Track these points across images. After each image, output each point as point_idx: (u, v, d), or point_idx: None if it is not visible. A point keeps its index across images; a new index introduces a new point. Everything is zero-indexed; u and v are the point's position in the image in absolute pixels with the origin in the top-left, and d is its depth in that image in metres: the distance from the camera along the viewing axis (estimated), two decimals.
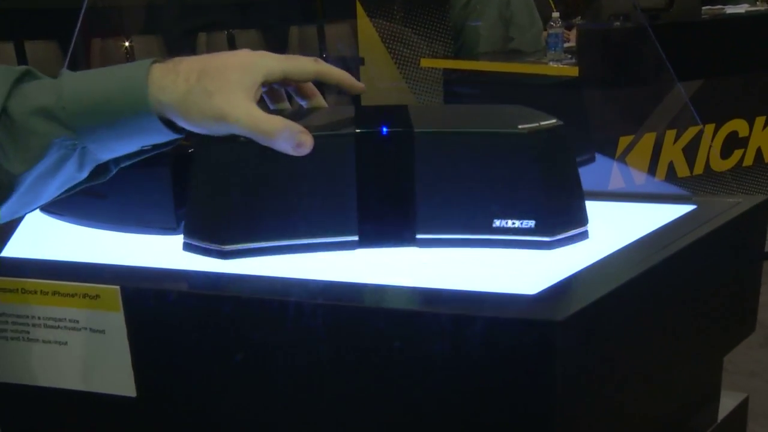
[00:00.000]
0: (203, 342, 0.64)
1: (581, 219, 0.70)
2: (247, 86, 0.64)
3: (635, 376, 0.66)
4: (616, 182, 2.81)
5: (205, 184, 0.67)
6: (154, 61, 0.64)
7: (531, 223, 0.66)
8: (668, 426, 0.77)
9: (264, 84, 0.66)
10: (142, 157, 0.68)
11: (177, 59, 0.64)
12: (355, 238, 0.67)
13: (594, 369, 0.60)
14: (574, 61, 2.91)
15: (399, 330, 0.58)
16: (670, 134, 2.96)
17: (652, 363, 0.68)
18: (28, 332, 0.68)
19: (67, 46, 3.53)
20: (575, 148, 0.71)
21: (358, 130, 0.66)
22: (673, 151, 2.98)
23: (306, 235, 0.66)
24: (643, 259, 0.65)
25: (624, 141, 2.83)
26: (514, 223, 0.66)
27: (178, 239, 0.76)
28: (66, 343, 0.67)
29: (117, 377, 0.66)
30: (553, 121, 0.69)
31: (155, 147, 0.68)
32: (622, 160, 2.81)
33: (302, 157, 0.65)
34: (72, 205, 0.80)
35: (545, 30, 3.18)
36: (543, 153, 0.66)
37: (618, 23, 2.87)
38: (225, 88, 0.63)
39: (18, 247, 0.77)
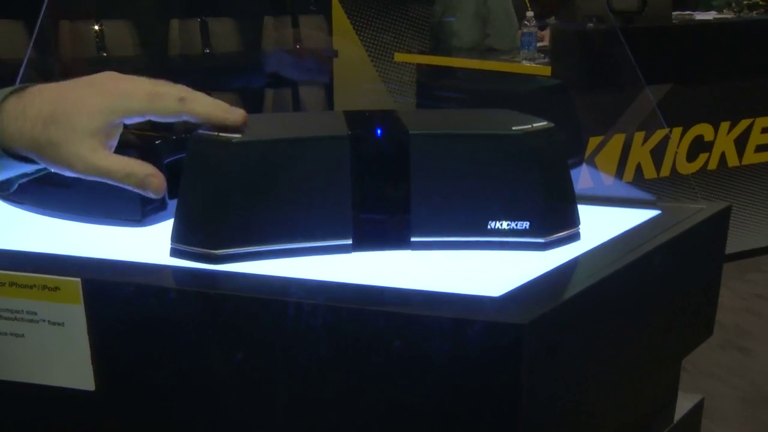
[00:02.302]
0: (163, 335, 0.63)
1: (574, 220, 0.70)
2: (95, 131, 0.60)
3: (597, 378, 0.67)
4: (585, 182, 2.84)
5: (196, 186, 0.66)
6: (9, 96, 0.61)
7: (525, 225, 0.67)
8: (627, 427, 0.78)
9: (127, 119, 0.62)
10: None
11: (33, 92, 0.61)
12: (349, 241, 0.66)
13: (559, 371, 0.60)
14: (546, 60, 2.93)
15: (362, 330, 0.57)
16: (639, 136, 2.99)
17: (614, 365, 0.69)
18: None
19: (33, 27, 3.43)
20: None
21: (352, 132, 0.66)
22: (641, 153, 3.02)
23: (299, 239, 0.65)
24: (608, 263, 0.66)
25: (594, 141, 2.86)
26: (509, 225, 0.67)
27: (141, 231, 0.75)
28: (23, 336, 0.66)
29: (75, 370, 0.65)
30: (545, 123, 0.69)
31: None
32: (591, 160, 2.84)
33: (297, 158, 0.64)
34: (34, 194, 0.78)
35: (519, 29, 3.20)
36: (537, 154, 0.67)
37: (591, 25, 2.89)
38: (70, 138, 0.60)
39: None
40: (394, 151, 0.66)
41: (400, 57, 3.53)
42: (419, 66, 3.38)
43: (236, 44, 3.84)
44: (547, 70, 2.83)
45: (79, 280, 0.63)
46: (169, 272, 0.65)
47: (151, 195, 0.63)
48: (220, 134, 0.66)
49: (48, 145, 0.60)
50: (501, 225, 0.67)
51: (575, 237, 0.70)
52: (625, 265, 0.66)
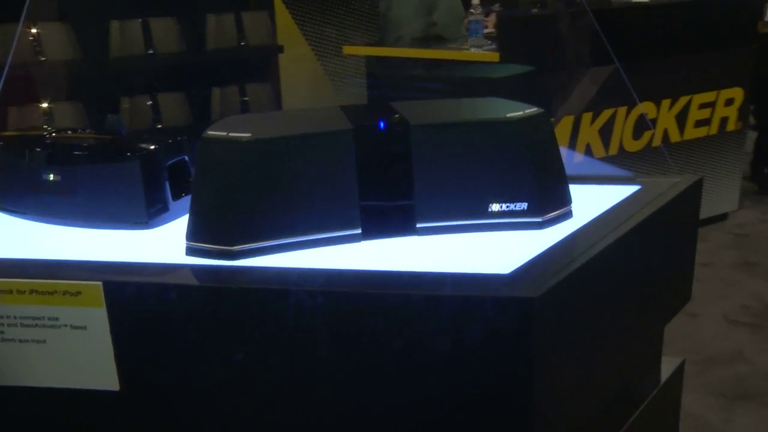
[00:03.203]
0: (187, 333, 0.65)
1: (566, 199, 0.75)
2: None
3: (597, 344, 0.72)
4: None
5: (210, 186, 0.68)
6: None
7: (524, 205, 0.71)
8: (620, 391, 0.83)
9: None
10: None
11: None
12: (358, 231, 0.69)
13: (565, 339, 0.64)
14: (494, 46, 2.99)
15: (379, 313, 0.60)
16: (587, 117, 3.08)
17: (610, 332, 0.74)
18: (2, 332, 0.67)
19: None
20: None
21: (356, 126, 0.68)
22: (589, 133, 3.11)
23: (311, 231, 0.68)
24: (602, 237, 0.70)
25: None
26: (508, 207, 0.71)
27: (149, 233, 0.77)
28: (44, 341, 0.67)
29: (99, 372, 0.66)
30: (535, 109, 0.73)
31: None
32: None
33: (306, 154, 0.66)
34: (40, 205, 0.79)
35: (465, 17, 3.25)
36: (531, 139, 0.71)
37: (536, 10, 2.96)
38: None
39: None
40: (396, 142, 0.69)
41: (348, 50, 3.55)
42: (368, 58, 3.40)
43: (180, 44, 3.79)
44: (495, 56, 2.89)
45: (100, 283, 0.65)
46: (188, 270, 0.67)
47: None
48: (230, 134, 0.68)
49: None
50: (501, 207, 0.71)
51: (568, 215, 0.74)
52: (617, 238, 0.70)
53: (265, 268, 0.66)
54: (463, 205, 0.71)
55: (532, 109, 0.73)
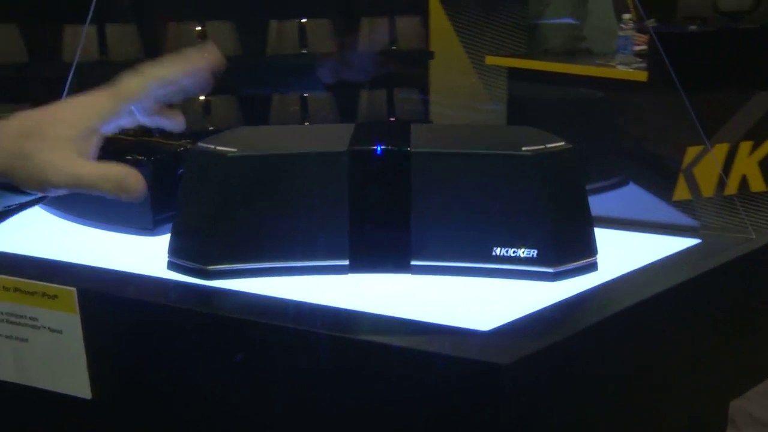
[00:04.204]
0: (156, 347, 0.63)
1: (589, 249, 0.65)
2: (68, 138, 0.59)
3: (606, 424, 0.61)
4: (681, 193, 2.68)
5: (191, 200, 0.65)
6: None
7: (533, 252, 0.62)
8: None
9: (102, 122, 0.61)
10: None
11: (9, 114, 0.61)
12: (346, 262, 0.64)
13: (552, 417, 0.55)
14: (644, 65, 2.78)
15: (334, 356, 0.55)
16: (745, 146, 2.79)
17: (630, 410, 0.63)
18: None
19: (142, 30, 3.60)
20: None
21: (350, 148, 0.63)
22: (747, 164, 2.82)
23: (294, 258, 0.63)
24: (621, 298, 0.60)
25: (692, 151, 2.69)
26: (515, 252, 0.62)
27: (152, 241, 0.75)
28: (27, 340, 0.67)
29: (73, 378, 0.66)
30: (561, 143, 0.64)
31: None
32: (688, 171, 2.67)
33: (293, 174, 0.62)
34: (59, 199, 0.80)
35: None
36: (548, 177, 0.62)
37: (694, 27, 2.72)
38: (43, 148, 0.58)
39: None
40: (394, 168, 0.63)
41: (491, 60, 3.45)
42: (510, 69, 3.29)
43: (332, 45, 3.88)
44: (643, 75, 2.68)
45: (74, 289, 0.64)
46: (160, 286, 0.65)
47: (131, 198, 0.60)
48: (217, 147, 0.64)
49: (22, 158, 0.59)
50: (507, 252, 0.62)
51: (591, 267, 0.64)
52: (641, 301, 0.60)
53: (237, 293, 0.63)
54: (463, 245, 0.63)
55: (556, 144, 0.63)
